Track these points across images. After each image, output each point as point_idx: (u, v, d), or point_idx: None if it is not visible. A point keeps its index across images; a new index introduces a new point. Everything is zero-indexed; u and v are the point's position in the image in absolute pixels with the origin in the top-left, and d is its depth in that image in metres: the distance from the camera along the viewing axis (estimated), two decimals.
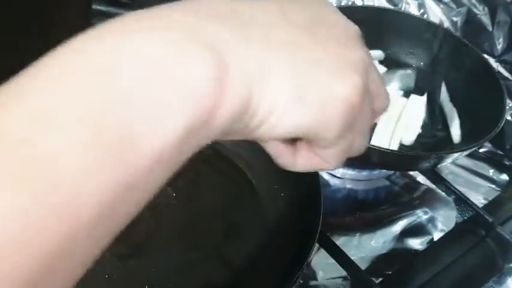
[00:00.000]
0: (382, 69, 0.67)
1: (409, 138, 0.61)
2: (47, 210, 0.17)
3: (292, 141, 0.27)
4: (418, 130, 0.62)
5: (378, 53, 0.69)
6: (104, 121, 0.18)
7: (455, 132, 0.62)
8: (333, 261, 0.52)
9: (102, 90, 0.19)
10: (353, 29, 0.28)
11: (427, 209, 0.61)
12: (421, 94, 0.65)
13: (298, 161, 0.28)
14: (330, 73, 0.24)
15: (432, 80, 0.68)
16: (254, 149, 0.44)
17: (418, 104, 0.64)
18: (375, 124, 0.61)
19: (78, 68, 0.19)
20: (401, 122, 0.61)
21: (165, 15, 0.22)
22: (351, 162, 0.61)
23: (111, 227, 0.20)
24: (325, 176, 0.62)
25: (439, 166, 0.60)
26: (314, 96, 0.23)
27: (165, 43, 0.20)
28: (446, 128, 0.64)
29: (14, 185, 0.17)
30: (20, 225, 0.17)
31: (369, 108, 0.27)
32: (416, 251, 0.57)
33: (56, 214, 0.17)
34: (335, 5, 0.82)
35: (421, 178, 0.64)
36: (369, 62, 0.26)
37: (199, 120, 0.20)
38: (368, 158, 0.55)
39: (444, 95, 0.66)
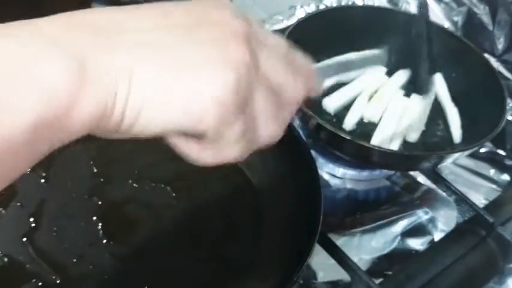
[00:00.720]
0: (382, 70, 0.67)
1: (413, 136, 0.61)
2: None
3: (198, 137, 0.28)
4: (422, 128, 0.62)
5: (378, 52, 0.69)
6: None
7: (456, 131, 0.62)
8: (333, 261, 0.51)
9: None
10: (240, 28, 0.27)
11: (427, 209, 0.60)
12: (422, 93, 0.65)
13: (202, 156, 0.28)
14: (199, 72, 0.25)
15: (432, 79, 0.68)
16: None
17: (422, 103, 0.63)
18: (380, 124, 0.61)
19: None
20: (404, 121, 0.61)
21: (36, 24, 0.23)
22: (351, 163, 0.61)
23: None
24: (325, 176, 0.62)
25: (439, 166, 0.60)
26: (179, 95, 0.25)
27: (26, 46, 0.22)
28: (447, 127, 0.64)
29: None
30: None
31: (264, 83, 0.27)
32: (416, 251, 0.57)
33: None
34: (335, 5, 0.82)
35: (421, 178, 0.64)
36: (253, 61, 0.27)
37: (52, 115, 0.21)
38: (368, 158, 0.55)
39: (445, 94, 0.66)
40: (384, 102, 0.63)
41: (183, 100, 0.25)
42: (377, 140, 0.59)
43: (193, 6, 0.27)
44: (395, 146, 0.59)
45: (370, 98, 0.63)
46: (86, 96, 0.22)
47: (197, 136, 0.27)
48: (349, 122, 0.61)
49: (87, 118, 0.23)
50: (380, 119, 0.62)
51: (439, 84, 0.66)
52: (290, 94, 0.29)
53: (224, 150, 0.28)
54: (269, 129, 0.29)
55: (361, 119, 0.62)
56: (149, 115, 0.24)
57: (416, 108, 0.62)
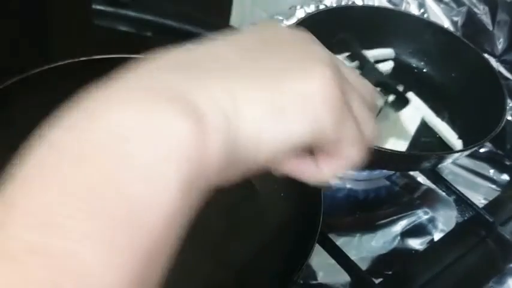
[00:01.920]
0: (389, 64, 0.67)
1: (401, 148, 0.59)
2: None
3: (308, 154, 0.27)
4: (408, 140, 0.60)
5: (388, 51, 0.69)
6: (106, 207, 0.19)
7: (456, 142, 0.61)
8: (333, 261, 0.52)
9: (91, 175, 0.19)
10: (312, 41, 0.28)
11: (427, 209, 0.60)
12: (419, 95, 0.65)
13: (324, 170, 0.28)
14: (297, 75, 0.24)
15: (432, 80, 0.68)
16: None
17: (414, 114, 0.63)
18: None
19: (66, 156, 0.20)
20: (395, 129, 0.60)
21: (134, 80, 0.22)
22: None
23: None
24: None
25: (439, 166, 0.60)
26: (290, 103, 0.24)
27: (138, 111, 0.21)
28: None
29: None
30: None
31: (354, 93, 0.27)
32: (416, 251, 0.57)
33: None
34: (335, 5, 0.82)
35: (421, 178, 0.64)
36: (335, 59, 0.27)
37: (194, 171, 0.21)
38: (368, 158, 0.55)
39: (426, 111, 0.64)
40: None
41: (297, 107, 0.24)
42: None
43: (258, 32, 0.28)
44: (403, 147, 0.59)
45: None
46: (211, 134, 0.21)
47: (315, 149, 0.26)
48: None
49: (219, 154, 0.22)
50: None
51: (417, 103, 0.64)
52: (367, 94, 0.29)
53: (346, 154, 0.27)
54: (370, 129, 0.28)
55: None
56: (268, 135, 0.23)
57: (410, 117, 0.62)
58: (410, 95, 0.64)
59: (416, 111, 0.63)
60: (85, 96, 0.22)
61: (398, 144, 0.59)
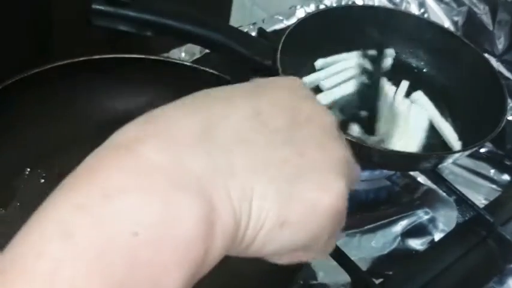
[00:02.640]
0: (388, 61, 0.67)
1: (413, 149, 0.59)
2: None
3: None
4: (420, 141, 0.60)
5: (388, 51, 0.69)
6: None
7: (456, 143, 0.61)
8: (333, 261, 0.51)
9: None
10: (329, 120, 0.27)
11: (427, 210, 0.60)
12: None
13: (283, 258, 0.27)
14: (313, 186, 0.24)
15: (432, 80, 0.68)
16: None
17: (422, 114, 0.62)
18: None
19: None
20: (403, 131, 0.60)
21: (141, 159, 0.21)
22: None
23: None
24: None
25: (439, 166, 0.60)
26: (299, 215, 0.24)
27: (151, 203, 0.20)
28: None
29: None
30: None
31: None
32: (417, 251, 0.57)
33: None
34: (335, 5, 0.82)
35: (421, 178, 0.64)
36: (347, 154, 0.27)
37: (196, 264, 0.21)
38: (368, 158, 0.55)
39: (432, 110, 0.63)
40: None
41: (303, 220, 0.24)
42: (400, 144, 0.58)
43: (279, 98, 0.26)
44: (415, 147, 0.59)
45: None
46: (218, 229, 0.22)
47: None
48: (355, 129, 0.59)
49: (221, 248, 0.22)
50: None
51: (423, 101, 0.64)
52: (354, 180, 0.29)
53: (320, 251, 0.27)
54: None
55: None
56: (267, 240, 0.24)
57: (418, 119, 0.62)
58: (419, 94, 0.65)
59: (424, 111, 0.63)
60: (97, 166, 0.21)
61: (410, 146, 0.59)
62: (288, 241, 0.24)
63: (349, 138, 0.52)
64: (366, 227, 0.58)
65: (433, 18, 0.76)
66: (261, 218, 0.23)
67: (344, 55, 0.67)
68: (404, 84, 0.65)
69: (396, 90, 0.65)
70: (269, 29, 0.75)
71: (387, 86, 0.64)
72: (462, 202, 0.59)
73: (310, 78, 0.64)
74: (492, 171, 0.67)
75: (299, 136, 0.25)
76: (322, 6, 0.81)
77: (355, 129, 0.59)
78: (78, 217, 0.20)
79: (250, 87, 0.27)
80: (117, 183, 0.21)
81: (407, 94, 0.65)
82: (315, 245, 0.26)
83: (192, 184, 0.21)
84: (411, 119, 0.61)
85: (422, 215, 0.60)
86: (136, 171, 0.21)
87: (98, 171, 0.21)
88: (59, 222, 0.20)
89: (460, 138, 0.61)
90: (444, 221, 0.60)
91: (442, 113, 0.64)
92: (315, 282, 0.52)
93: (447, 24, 0.76)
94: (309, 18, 0.66)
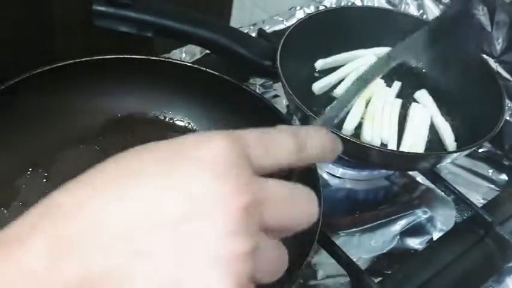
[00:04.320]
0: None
1: (419, 149, 0.59)
2: None
3: None
4: (425, 140, 0.60)
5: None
6: None
7: (451, 145, 0.61)
8: (333, 261, 0.52)
9: None
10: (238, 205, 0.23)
11: (426, 209, 0.61)
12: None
13: None
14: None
15: (431, 80, 0.68)
16: None
17: (425, 113, 0.63)
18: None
19: None
20: (410, 129, 0.60)
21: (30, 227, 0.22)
22: (351, 163, 0.61)
23: None
24: (325, 176, 0.62)
25: (438, 166, 0.60)
26: None
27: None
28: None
29: None
30: None
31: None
32: (415, 250, 0.57)
33: None
34: (334, 6, 0.82)
35: (420, 178, 0.64)
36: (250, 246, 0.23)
37: None
38: (368, 158, 0.55)
39: (433, 109, 0.64)
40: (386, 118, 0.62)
41: None
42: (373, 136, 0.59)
43: (185, 178, 0.22)
44: (393, 145, 0.59)
45: (367, 102, 0.62)
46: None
47: None
48: (349, 128, 0.59)
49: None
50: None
51: (425, 99, 0.65)
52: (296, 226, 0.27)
53: None
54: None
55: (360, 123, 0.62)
56: None
57: (420, 118, 0.62)
58: (422, 92, 0.65)
59: (427, 110, 0.63)
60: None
61: (416, 146, 0.59)
62: None
63: (349, 138, 0.53)
64: (365, 226, 0.58)
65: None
66: None
67: (344, 55, 0.67)
68: (396, 85, 0.66)
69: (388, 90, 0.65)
70: (269, 30, 0.76)
71: (380, 86, 0.64)
72: (460, 202, 0.59)
73: (321, 84, 0.64)
74: (490, 171, 0.67)
75: (187, 233, 0.22)
76: (321, 7, 0.81)
77: (348, 129, 0.59)
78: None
79: (164, 161, 0.23)
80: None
81: (410, 94, 0.66)
82: None
83: None
84: (416, 118, 0.62)
85: (421, 215, 0.60)
86: (13, 279, 0.21)
87: None
88: None
89: (458, 138, 0.62)
90: (443, 221, 0.60)
91: (441, 113, 0.64)
92: (315, 282, 0.53)
93: None
94: (308, 19, 0.66)
